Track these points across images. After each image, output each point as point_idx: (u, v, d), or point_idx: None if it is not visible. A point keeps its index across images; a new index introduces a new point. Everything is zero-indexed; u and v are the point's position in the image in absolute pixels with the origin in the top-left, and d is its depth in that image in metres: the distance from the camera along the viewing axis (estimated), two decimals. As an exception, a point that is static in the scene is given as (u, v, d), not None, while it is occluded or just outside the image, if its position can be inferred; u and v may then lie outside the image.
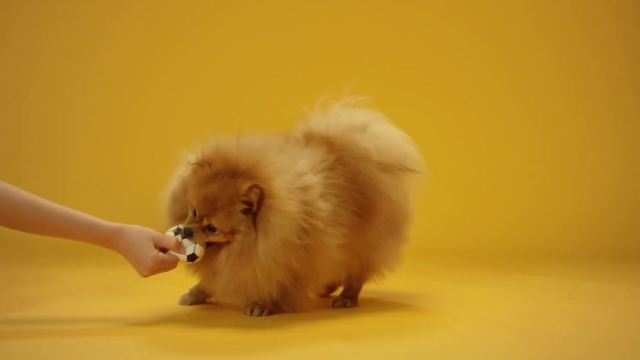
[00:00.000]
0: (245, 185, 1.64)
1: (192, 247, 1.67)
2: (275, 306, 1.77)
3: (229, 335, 1.56)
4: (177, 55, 3.67)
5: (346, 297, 1.95)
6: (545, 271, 2.73)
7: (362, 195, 1.81)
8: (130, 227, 1.68)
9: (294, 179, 1.70)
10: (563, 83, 3.61)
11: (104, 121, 3.64)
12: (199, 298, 1.91)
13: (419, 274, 2.66)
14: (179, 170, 1.80)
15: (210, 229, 1.67)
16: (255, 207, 1.66)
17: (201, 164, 1.70)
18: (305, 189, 1.70)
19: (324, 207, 1.71)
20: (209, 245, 1.70)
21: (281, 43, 3.64)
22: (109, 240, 1.67)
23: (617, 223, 3.41)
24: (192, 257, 1.67)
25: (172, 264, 1.68)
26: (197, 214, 1.68)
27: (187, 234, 1.68)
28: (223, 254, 1.67)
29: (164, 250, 1.68)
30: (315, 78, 3.57)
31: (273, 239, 1.63)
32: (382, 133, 1.94)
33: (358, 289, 1.98)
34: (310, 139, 1.85)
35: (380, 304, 2.02)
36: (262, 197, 1.65)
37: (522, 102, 3.62)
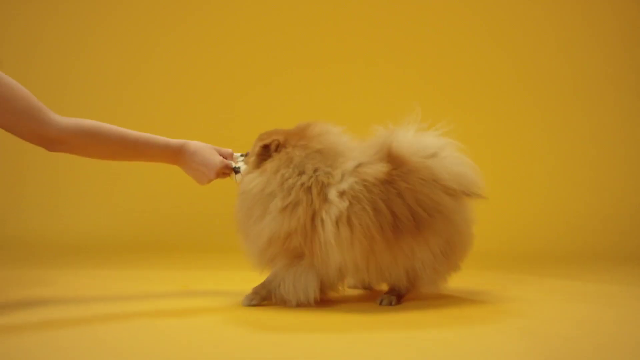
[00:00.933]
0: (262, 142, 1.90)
1: (241, 163, 1.99)
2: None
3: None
4: (178, 55, 3.68)
5: (393, 295, 1.97)
6: (545, 272, 2.73)
7: (418, 214, 1.86)
8: (193, 141, 1.99)
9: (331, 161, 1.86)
10: (563, 83, 3.61)
11: (105, 121, 3.64)
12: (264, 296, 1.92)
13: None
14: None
15: (263, 154, 1.89)
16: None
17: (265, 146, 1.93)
18: (329, 174, 1.84)
19: (337, 203, 1.81)
20: None
21: (281, 43, 3.64)
22: (178, 153, 1.95)
23: (618, 224, 3.41)
24: (236, 170, 1.98)
25: (227, 168, 1.98)
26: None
27: (243, 155, 2.01)
28: None
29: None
30: (315, 78, 3.58)
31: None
32: (452, 160, 2.01)
33: (403, 295, 2.00)
34: (382, 151, 1.93)
35: (376, 303, 2.01)
36: (279, 146, 1.87)
37: (523, 102, 3.62)
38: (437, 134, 2.06)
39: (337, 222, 1.80)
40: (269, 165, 1.87)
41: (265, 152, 1.90)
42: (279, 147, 1.89)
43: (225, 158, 2.02)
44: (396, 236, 1.83)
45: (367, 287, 2.17)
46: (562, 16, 3.63)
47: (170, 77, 3.66)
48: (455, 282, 2.48)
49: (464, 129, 3.62)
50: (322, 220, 1.80)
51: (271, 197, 1.83)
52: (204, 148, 1.98)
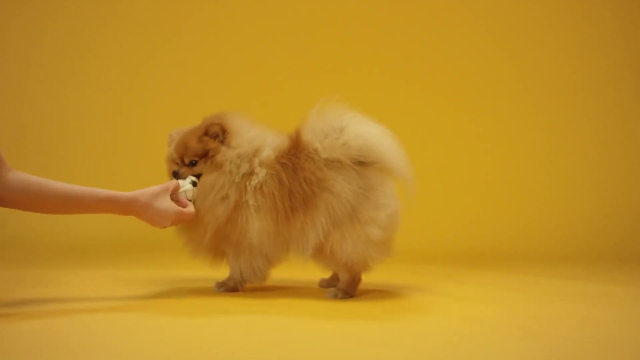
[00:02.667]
0: (205, 122, 2.10)
1: (188, 179, 2.06)
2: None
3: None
4: (181, 59, 3.68)
5: (339, 289, 2.10)
6: (545, 272, 2.73)
7: (305, 190, 2.00)
8: (142, 193, 1.98)
9: (249, 141, 2.07)
10: (563, 84, 3.61)
11: (106, 122, 3.64)
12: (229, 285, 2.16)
13: (419, 274, 2.66)
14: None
15: (192, 163, 2.08)
16: (221, 137, 2.07)
17: (169, 135, 2.16)
18: (255, 152, 2.05)
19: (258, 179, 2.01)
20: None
21: (285, 48, 3.64)
22: (128, 208, 1.95)
23: (618, 224, 3.41)
24: (194, 183, 2.05)
25: (189, 215, 2.01)
26: (179, 160, 2.10)
27: (175, 175, 2.09)
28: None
29: (177, 201, 2.02)
30: (318, 82, 3.58)
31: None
32: (352, 132, 2.06)
33: (348, 282, 2.10)
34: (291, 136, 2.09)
35: (377, 303, 2.02)
36: (224, 132, 2.07)
37: (523, 103, 3.62)
38: (342, 111, 2.09)
39: (254, 191, 2.01)
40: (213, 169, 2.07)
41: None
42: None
43: (175, 192, 2.03)
44: (292, 211, 2.00)
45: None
46: (562, 17, 3.63)
47: (174, 81, 3.65)
48: (456, 281, 2.48)
49: (464, 130, 3.64)
50: (245, 189, 2.02)
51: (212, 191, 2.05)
52: (155, 198, 1.98)
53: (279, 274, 2.24)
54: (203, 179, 2.06)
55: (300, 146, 2.04)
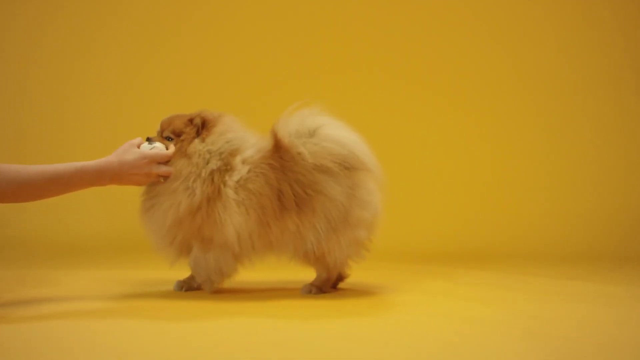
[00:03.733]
0: (199, 112, 2.11)
1: (156, 143, 2.08)
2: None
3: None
4: (181, 59, 3.67)
5: (313, 285, 2.13)
6: (546, 272, 2.73)
7: (297, 193, 2.01)
8: (113, 155, 1.98)
9: (226, 140, 2.06)
10: (564, 84, 3.61)
11: (106, 122, 3.63)
12: (192, 285, 2.15)
13: (420, 274, 2.66)
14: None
15: (168, 138, 2.09)
16: (200, 130, 2.07)
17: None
18: (234, 152, 2.05)
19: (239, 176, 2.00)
20: None
21: (285, 48, 3.63)
22: (102, 171, 1.93)
23: (619, 224, 3.41)
24: (151, 141, 2.08)
25: (165, 156, 2.03)
26: (160, 131, 2.12)
27: (148, 139, 2.09)
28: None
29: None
30: (319, 82, 3.58)
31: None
32: (329, 136, 2.08)
33: (324, 279, 2.14)
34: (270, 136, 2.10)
35: (378, 304, 2.02)
36: (204, 124, 2.08)
37: (523, 103, 3.62)
38: (316, 113, 2.12)
39: (236, 186, 1.99)
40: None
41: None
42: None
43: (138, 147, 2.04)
44: (282, 211, 2.00)
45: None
46: (562, 17, 3.62)
47: (173, 82, 3.65)
48: (457, 282, 2.48)
49: (465, 131, 3.64)
50: (225, 184, 2.00)
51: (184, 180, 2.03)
52: (123, 154, 1.98)
53: (264, 274, 2.24)
54: (170, 162, 2.06)
55: (283, 148, 2.04)
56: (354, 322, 1.73)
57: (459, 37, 3.63)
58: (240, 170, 2.01)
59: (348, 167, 2.06)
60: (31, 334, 1.54)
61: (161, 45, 3.67)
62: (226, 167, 2.02)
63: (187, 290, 2.13)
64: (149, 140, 2.09)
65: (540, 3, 3.64)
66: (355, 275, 2.29)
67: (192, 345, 1.47)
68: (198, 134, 2.07)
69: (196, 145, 2.05)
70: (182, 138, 2.07)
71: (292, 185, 2.01)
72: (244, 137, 2.10)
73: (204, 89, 3.62)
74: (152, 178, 2.02)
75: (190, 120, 2.10)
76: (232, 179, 2.01)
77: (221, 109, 3.71)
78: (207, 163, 2.02)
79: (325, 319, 1.79)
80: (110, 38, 3.67)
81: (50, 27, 3.65)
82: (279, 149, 2.04)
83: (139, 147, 2.02)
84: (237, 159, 2.03)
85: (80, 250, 3.14)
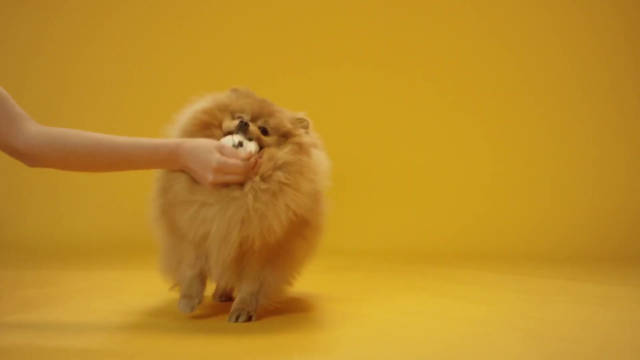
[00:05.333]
0: (298, 114, 1.72)
1: (249, 145, 1.61)
2: (253, 301, 1.70)
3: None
4: (179, 56, 3.67)
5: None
6: (548, 273, 2.73)
7: None
8: (190, 139, 1.64)
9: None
10: (566, 85, 3.61)
11: (107, 124, 3.62)
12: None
13: (420, 274, 2.66)
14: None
15: (264, 131, 1.67)
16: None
17: (240, 88, 1.76)
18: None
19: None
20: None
21: (285, 44, 3.63)
22: (172, 154, 1.61)
23: (621, 225, 3.41)
24: (239, 133, 1.63)
25: (235, 166, 1.57)
26: (249, 117, 1.67)
27: (242, 126, 1.63)
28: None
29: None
30: (320, 79, 3.58)
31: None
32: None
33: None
34: None
35: (378, 304, 2.02)
36: (308, 127, 1.73)
37: (526, 104, 3.62)
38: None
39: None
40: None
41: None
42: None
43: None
44: None
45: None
46: (565, 17, 3.62)
47: (172, 78, 3.64)
48: (457, 282, 2.48)
49: (467, 131, 3.64)
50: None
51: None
52: (201, 145, 1.62)
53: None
54: (296, 157, 1.63)
55: None
56: (353, 322, 1.73)
57: (462, 37, 3.63)
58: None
59: None
60: (31, 334, 1.54)
61: (163, 46, 3.67)
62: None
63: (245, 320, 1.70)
64: (243, 126, 1.64)
65: (544, 5, 3.63)
66: (355, 275, 2.28)
67: (192, 344, 1.47)
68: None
69: (315, 154, 1.71)
70: (293, 140, 1.67)
71: None
72: None
73: (204, 88, 3.62)
74: (212, 184, 1.60)
75: (300, 120, 1.73)
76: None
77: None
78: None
79: (325, 319, 1.79)
80: (110, 38, 3.67)
81: (50, 27, 3.66)
82: None
83: (219, 150, 1.61)
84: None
85: (81, 250, 3.14)
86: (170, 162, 1.63)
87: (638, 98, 3.58)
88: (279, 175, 1.60)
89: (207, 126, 1.70)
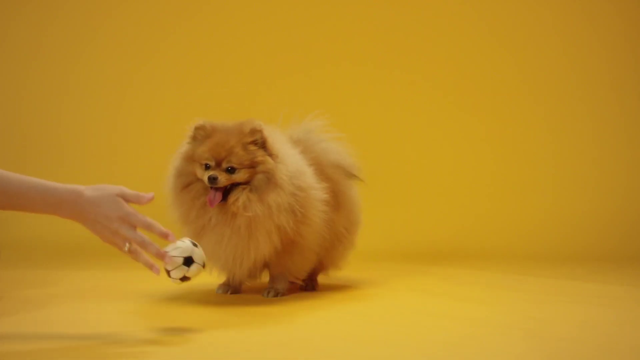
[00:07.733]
0: (248, 127, 1.88)
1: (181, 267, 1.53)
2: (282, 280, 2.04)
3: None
4: (180, 56, 3.67)
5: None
6: (548, 273, 2.73)
7: (332, 190, 2.02)
8: (92, 188, 1.51)
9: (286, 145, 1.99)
10: (566, 85, 3.60)
11: (107, 123, 3.63)
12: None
13: (420, 274, 2.66)
14: (175, 153, 1.97)
15: (230, 170, 1.85)
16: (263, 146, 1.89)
17: (199, 127, 1.90)
18: (295, 156, 1.97)
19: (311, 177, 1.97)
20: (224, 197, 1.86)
21: (285, 44, 3.63)
22: (65, 202, 1.48)
23: (621, 225, 3.40)
24: (184, 279, 1.55)
25: (142, 221, 1.47)
26: (214, 162, 1.85)
27: (212, 180, 1.82)
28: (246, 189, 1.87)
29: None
30: (320, 79, 3.57)
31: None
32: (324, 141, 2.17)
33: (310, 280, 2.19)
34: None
35: (378, 304, 2.02)
36: (264, 142, 1.89)
37: (526, 104, 3.61)
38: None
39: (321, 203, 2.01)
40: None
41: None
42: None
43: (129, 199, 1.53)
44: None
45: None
46: (565, 17, 3.62)
47: (172, 78, 3.64)
48: (458, 282, 2.48)
49: (467, 131, 3.63)
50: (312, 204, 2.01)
51: None
52: (103, 194, 1.50)
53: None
54: (271, 197, 1.85)
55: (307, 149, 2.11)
56: (353, 322, 1.73)
57: (462, 37, 3.62)
58: (317, 189, 2.00)
59: (349, 174, 2.23)
60: (31, 334, 1.54)
61: (163, 46, 3.67)
62: (307, 186, 1.96)
63: (232, 293, 2.07)
64: (213, 180, 1.82)
65: (544, 6, 3.63)
66: (355, 275, 2.29)
67: (193, 345, 1.47)
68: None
69: (280, 169, 1.88)
70: (260, 168, 1.88)
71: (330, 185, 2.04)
72: (292, 150, 2.02)
73: (204, 88, 3.62)
74: (118, 239, 1.51)
75: (254, 142, 1.88)
76: (317, 199, 1.99)
77: (221, 107, 3.73)
78: (292, 185, 1.91)
79: (324, 319, 1.79)
80: (110, 38, 3.67)
81: (50, 27, 3.65)
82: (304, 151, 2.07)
83: (125, 199, 1.51)
84: (307, 177, 1.98)
85: (81, 250, 3.14)
86: (63, 211, 1.51)
87: (638, 98, 3.57)
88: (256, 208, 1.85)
89: (190, 182, 1.92)
